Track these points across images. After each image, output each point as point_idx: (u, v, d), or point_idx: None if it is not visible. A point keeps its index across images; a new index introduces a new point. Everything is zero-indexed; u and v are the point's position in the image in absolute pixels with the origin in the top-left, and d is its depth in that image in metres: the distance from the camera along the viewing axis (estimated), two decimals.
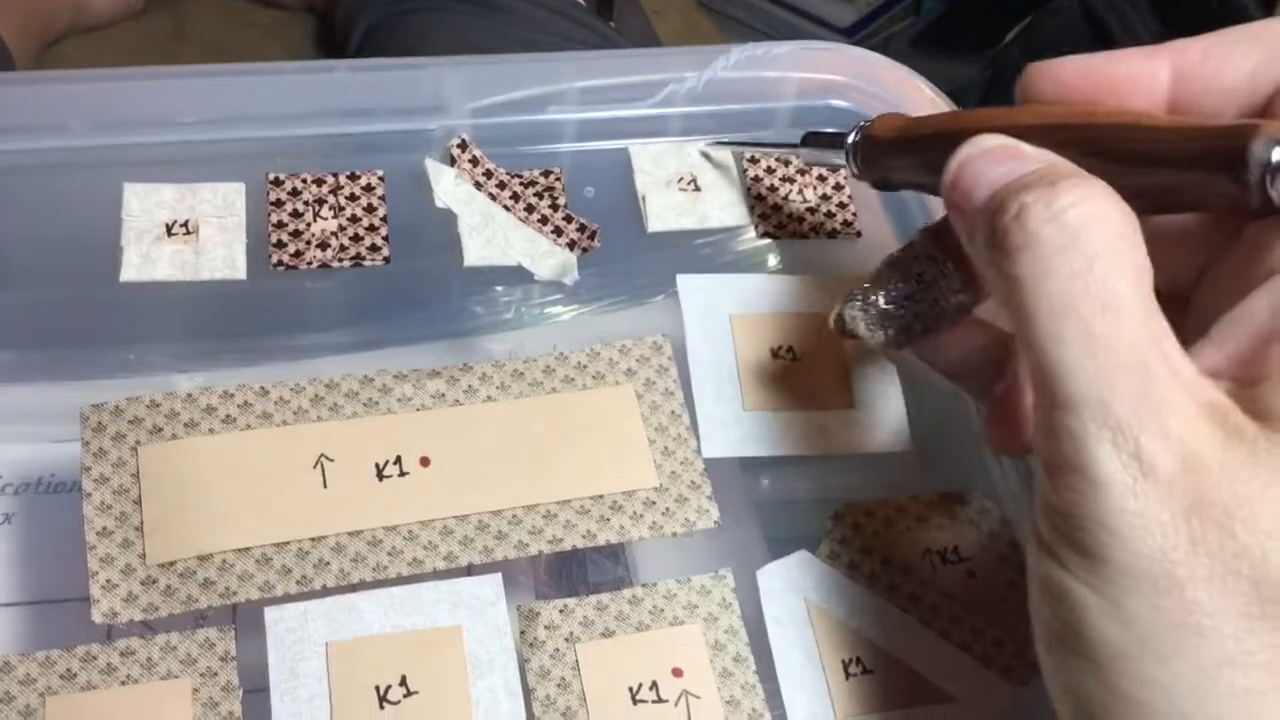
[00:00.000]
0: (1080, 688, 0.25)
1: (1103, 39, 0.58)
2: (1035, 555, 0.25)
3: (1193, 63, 0.28)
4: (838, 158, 0.36)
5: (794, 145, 0.40)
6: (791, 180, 0.44)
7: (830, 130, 0.38)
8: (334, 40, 0.85)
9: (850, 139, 0.35)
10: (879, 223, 0.44)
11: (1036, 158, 0.26)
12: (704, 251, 0.43)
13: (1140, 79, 0.29)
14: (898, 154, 0.33)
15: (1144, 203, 0.25)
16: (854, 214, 0.44)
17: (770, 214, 0.43)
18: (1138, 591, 0.23)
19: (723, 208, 0.43)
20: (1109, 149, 0.27)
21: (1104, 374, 0.23)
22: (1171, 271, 0.28)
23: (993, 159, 0.26)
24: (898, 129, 0.33)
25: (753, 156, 0.44)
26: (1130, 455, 0.23)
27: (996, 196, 0.25)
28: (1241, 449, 0.23)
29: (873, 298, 0.32)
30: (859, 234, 0.43)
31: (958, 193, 0.27)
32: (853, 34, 1.27)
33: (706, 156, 0.43)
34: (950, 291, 0.31)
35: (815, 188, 0.44)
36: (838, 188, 0.44)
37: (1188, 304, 0.29)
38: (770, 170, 0.44)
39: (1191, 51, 0.28)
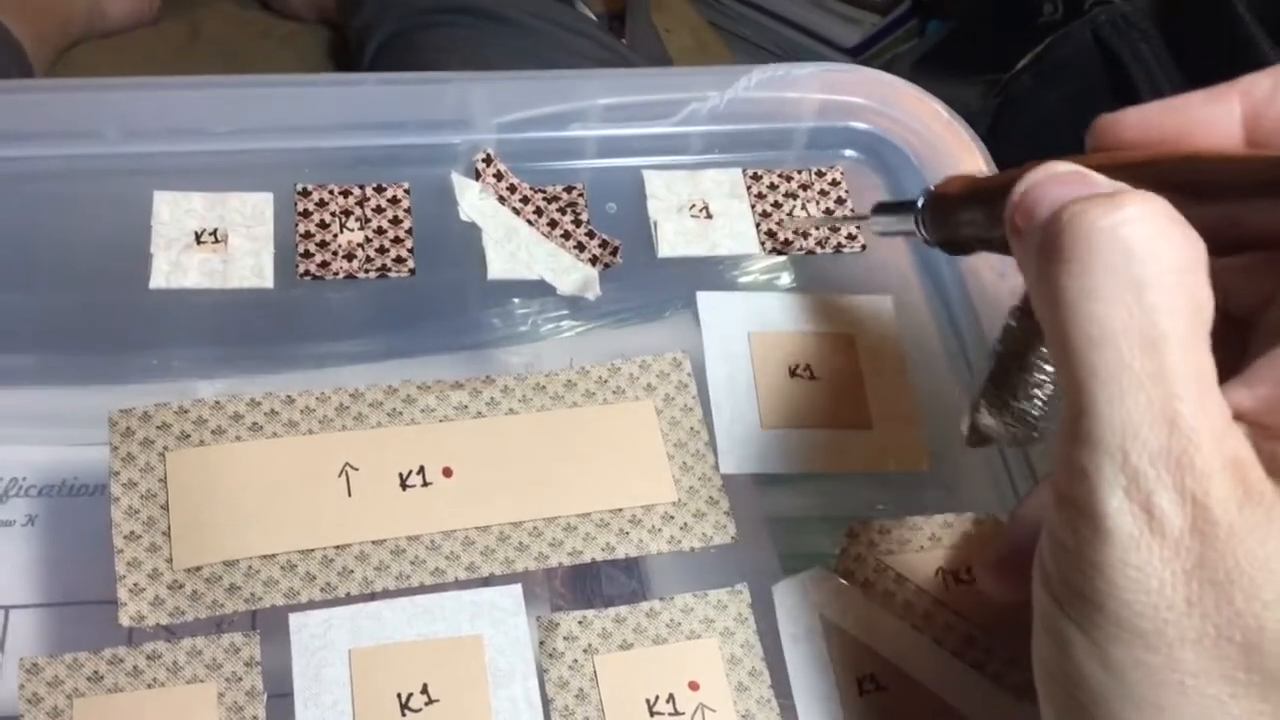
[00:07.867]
0: None
1: (1114, 68, 0.59)
2: (1036, 581, 0.25)
3: (1263, 99, 0.27)
4: (907, 224, 0.35)
5: (864, 216, 0.39)
6: (794, 196, 0.44)
7: (899, 200, 0.37)
8: (348, 53, 0.85)
9: (919, 202, 0.34)
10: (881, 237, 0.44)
11: (1107, 185, 0.25)
12: (719, 268, 0.43)
13: (1210, 124, 0.27)
14: (966, 209, 0.32)
15: (1210, 241, 0.24)
16: (857, 228, 0.44)
17: (777, 230, 0.44)
18: (1124, 642, 0.23)
19: (734, 235, 0.43)
20: (1177, 180, 0.26)
21: (1129, 420, 0.22)
22: (1236, 296, 0.27)
23: (1061, 181, 0.25)
24: (965, 184, 0.33)
25: (755, 174, 0.44)
26: (1141, 508, 0.22)
27: (1056, 211, 0.24)
28: (1257, 513, 0.22)
29: (998, 398, 0.31)
30: (864, 247, 0.44)
31: (1020, 213, 0.25)
32: (857, 54, 1.27)
33: (780, 227, 0.43)
34: None
35: (817, 202, 0.44)
36: (839, 201, 0.45)
37: (1253, 327, 0.27)
38: (773, 187, 0.44)
39: (1260, 88, 0.27)
